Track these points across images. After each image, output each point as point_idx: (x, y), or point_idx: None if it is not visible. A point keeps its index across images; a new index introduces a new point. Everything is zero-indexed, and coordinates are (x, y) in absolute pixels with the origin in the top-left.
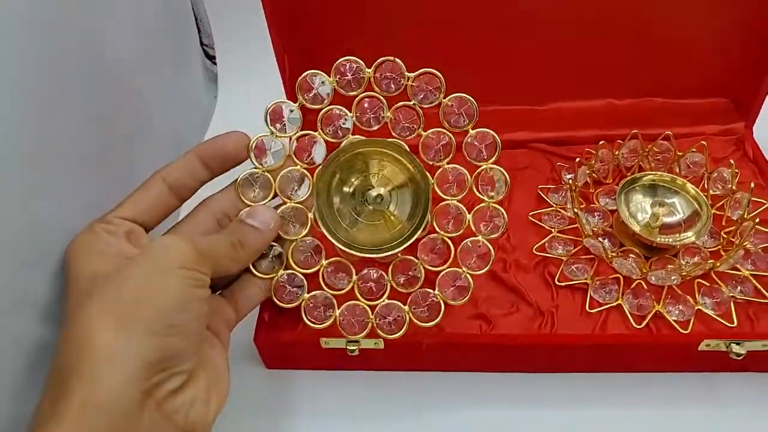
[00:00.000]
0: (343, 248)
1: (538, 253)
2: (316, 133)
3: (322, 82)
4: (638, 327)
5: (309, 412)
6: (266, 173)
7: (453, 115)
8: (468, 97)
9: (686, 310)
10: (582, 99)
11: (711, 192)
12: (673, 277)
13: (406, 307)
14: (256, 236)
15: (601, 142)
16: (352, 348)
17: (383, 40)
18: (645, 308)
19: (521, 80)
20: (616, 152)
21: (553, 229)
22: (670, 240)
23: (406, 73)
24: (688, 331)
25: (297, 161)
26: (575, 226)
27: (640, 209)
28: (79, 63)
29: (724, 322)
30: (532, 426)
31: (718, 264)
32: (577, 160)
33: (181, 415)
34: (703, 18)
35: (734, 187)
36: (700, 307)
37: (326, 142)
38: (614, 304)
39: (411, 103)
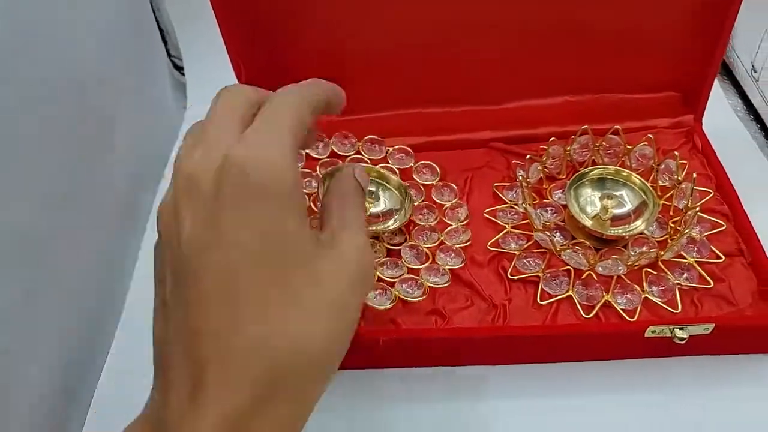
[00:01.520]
0: None
1: (493, 249)
2: None
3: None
4: (587, 317)
5: None
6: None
7: (423, 173)
8: (433, 164)
9: (633, 299)
10: (539, 97)
11: (660, 183)
12: (619, 267)
13: (395, 289)
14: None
15: (551, 139)
16: None
17: (347, 50)
18: (594, 298)
19: (480, 81)
20: (568, 148)
21: (507, 225)
22: (620, 231)
23: (387, 147)
24: (634, 319)
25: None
26: (528, 221)
27: (589, 203)
28: (42, 76)
29: (669, 308)
30: (488, 417)
31: (662, 252)
32: (528, 156)
33: None
34: (652, 15)
35: (680, 178)
36: (647, 295)
37: None
38: (564, 295)
39: (390, 164)
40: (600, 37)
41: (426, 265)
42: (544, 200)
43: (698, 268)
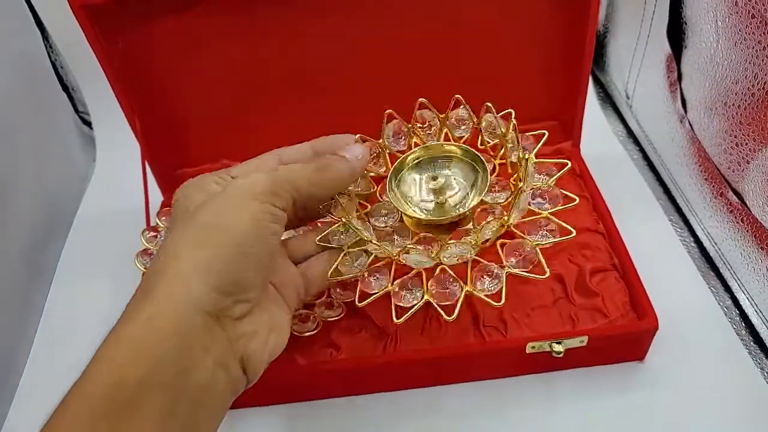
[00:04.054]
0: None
1: (335, 279)
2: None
3: None
4: (450, 319)
5: None
6: None
7: None
8: None
9: (497, 278)
10: None
11: (488, 142)
12: (468, 250)
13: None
14: (343, 164)
15: (387, 111)
16: None
17: (229, 100)
18: (454, 294)
19: (372, 121)
20: (380, 140)
21: (344, 247)
22: (458, 210)
23: None
24: (501, 304)
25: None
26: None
27: (415, 185)
28: None
29: (534, 276)
30: None
31: (507, 217)
32: None
33: (242, 344)
34: (527, 55)
35: (504, 131)
36: (508, 269)
37: None
38: (422, 302)
39: None
40: (479, 71)
41: (321, 299)
42: (376, 205)
43: (554, 219)
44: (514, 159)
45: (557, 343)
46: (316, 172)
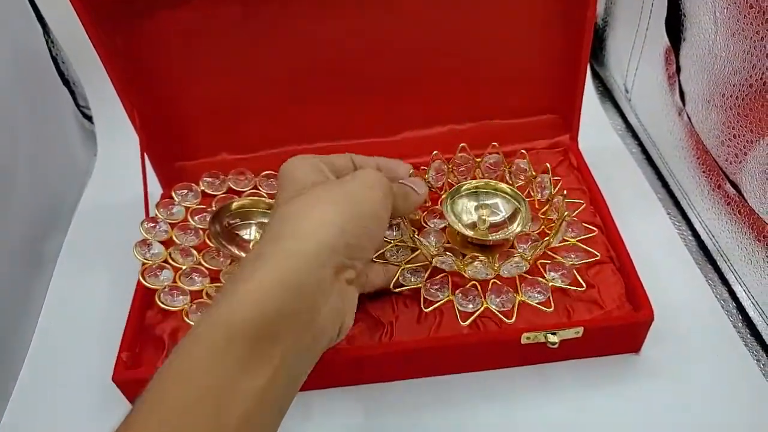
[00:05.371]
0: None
1: (398, 290)
2: None
3: None
4: (464, 323)
5: None
6: None
7: None
8: None
9: (508, 301)
10: (426, 127)
11: (536, 197)
12: (521, 264)
13: None
14: (415, 196)
15: (434, 153)
16: None
17: (235, 94)
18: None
19: (369, 115)
20: (449, 165)
21: (401, 264)
22: (500, 235)
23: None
24: (512, 321)
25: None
26: (417, 253)
27: (465, 211)
28: None
29: (543, 308)
30: None
31: (551, 239)
32: None
33: (347, 305)
34: (526, 50)
35: (553, 192)
36: (522, 298)
37: None
38: (445, 299)
39: None
40: (479, 68)
41: None
42: (424, 228)
43: (576, 274)
44: (540, 197)
45: (552, 334)
46: (403, 197)
